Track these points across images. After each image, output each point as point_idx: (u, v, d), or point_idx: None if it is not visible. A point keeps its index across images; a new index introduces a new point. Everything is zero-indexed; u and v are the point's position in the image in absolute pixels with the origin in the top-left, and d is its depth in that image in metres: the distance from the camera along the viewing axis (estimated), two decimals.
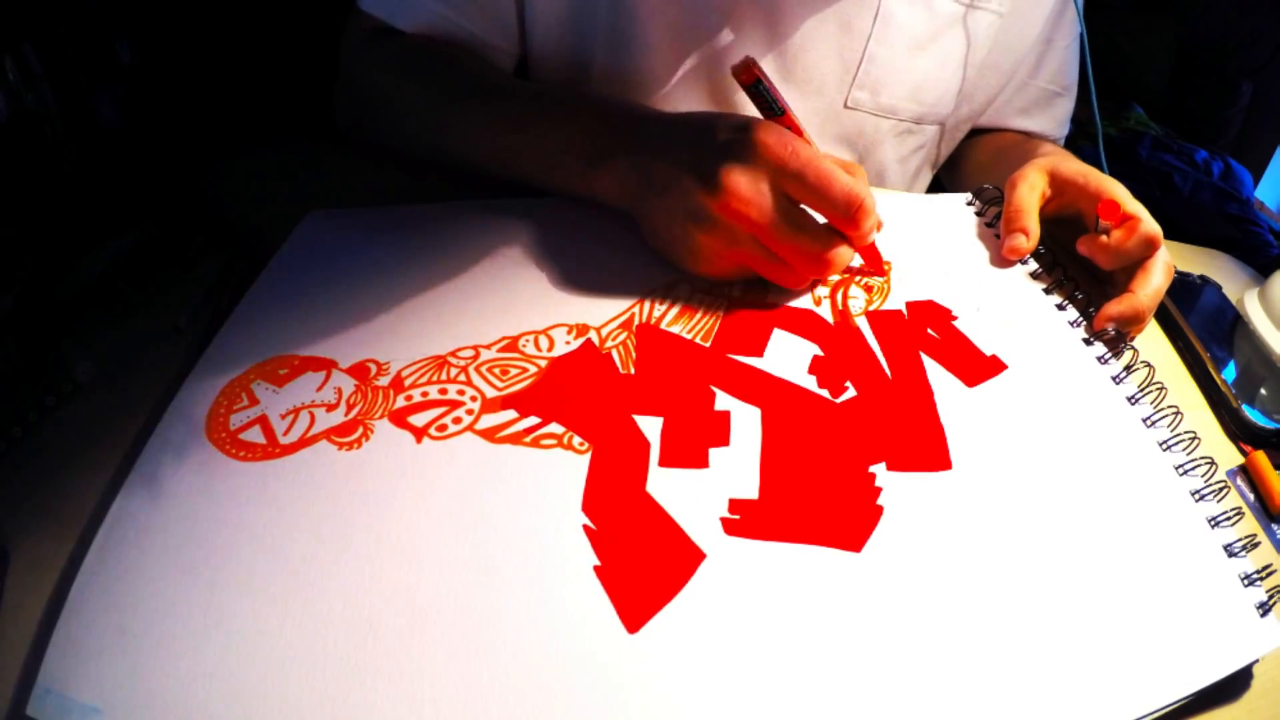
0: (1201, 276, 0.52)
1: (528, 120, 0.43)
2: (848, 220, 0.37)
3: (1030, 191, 0.46)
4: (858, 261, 0.44)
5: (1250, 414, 0.41)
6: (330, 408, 0.34)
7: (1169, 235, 0.59)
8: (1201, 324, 0.47)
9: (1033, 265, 0.46)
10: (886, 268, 0.44)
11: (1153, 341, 0.47)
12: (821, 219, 0.39)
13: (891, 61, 0.54)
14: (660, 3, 0.49)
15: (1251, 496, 0.38)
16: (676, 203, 0.38)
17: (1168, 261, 0.44)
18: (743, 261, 0.39)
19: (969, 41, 0.56)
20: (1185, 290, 0.50)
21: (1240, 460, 0.40)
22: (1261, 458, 0.39)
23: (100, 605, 0.27)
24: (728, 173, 0.36)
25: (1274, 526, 0.37)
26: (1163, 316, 0.48)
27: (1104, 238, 0.44)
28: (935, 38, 0.54)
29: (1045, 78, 0.62)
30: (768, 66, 0.53)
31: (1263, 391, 0.44)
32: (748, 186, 0.36)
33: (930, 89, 0.57)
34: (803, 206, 0.38)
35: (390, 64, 0.49)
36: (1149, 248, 0.43)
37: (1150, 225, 0.43)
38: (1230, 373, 0.44)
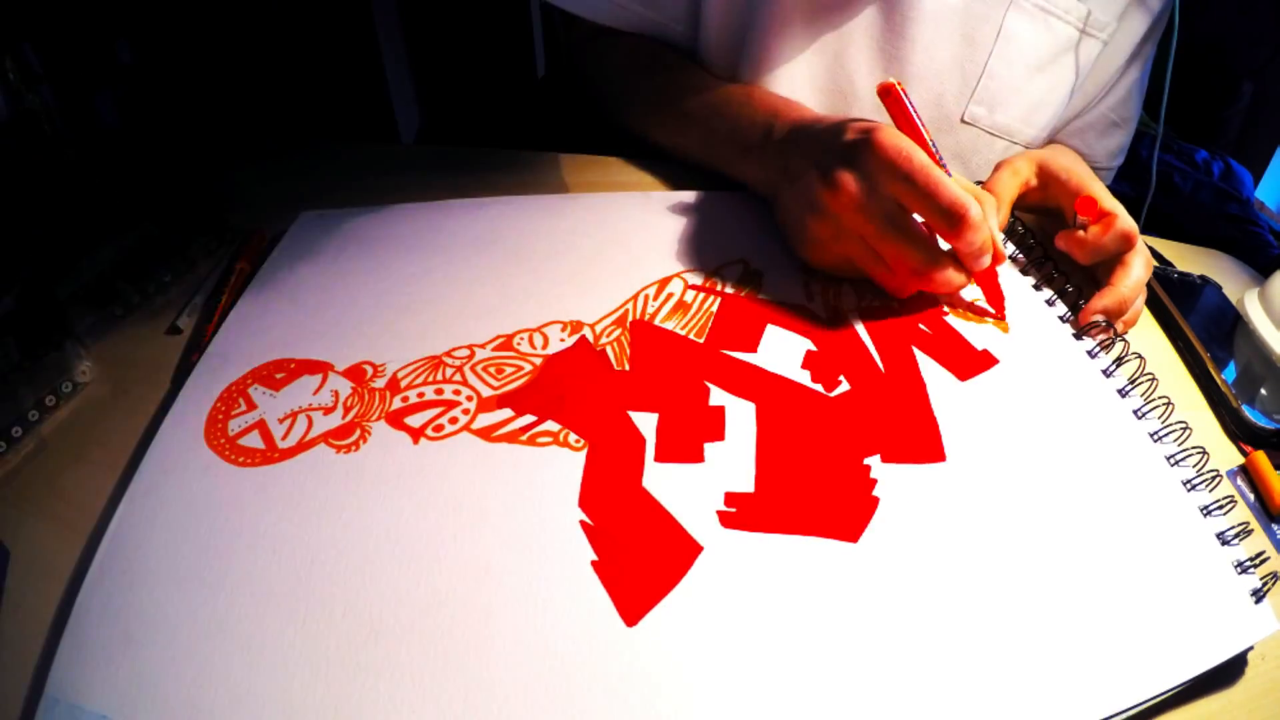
0: (1201, 276, 0.52)
1: (703, 114, 0.51)
2: (951, 229, 0.37)
3: (1012, 178, 0.46)
4: (974, 295, 0.43)
5: (1250, 414, 0.41)
6: (327, 411, 0.34)
7: (1169, 235, 0.59)
8: (1201, 324, 0.47)
9: (1024, 260, 0.46)
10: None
11: (1153, 341, 0.47)
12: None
13: (1010, 80, 0.54)
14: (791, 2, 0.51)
15: (1251, 497, 0.38)
16: (801, 193, 0.41)
17: (1147, 256, 0.45)
18: (849, 255, 0.41)
19: (1077, 68, 0.56)
20: (1185, 290, 0.50)
21: (1240, 460, 0.40)
22: (1261, 458, 0.39)
23: (105, 614, 0.28)
24: (843, 169, 0.38)
25: (1274, 527, 0.37)
26: (1163, 316, 0.48)
27: (1081, 233, 0.44)
28: (1053, 60, 0.54)
29: (1108, 105, 0.61)
30: (892, 75, 0.52)
31: (1263, 391, 0.44)
32: (858, 185, 0.37)
33: (1043, 112, 0.57)
34: (915, 216, 0.38)
35: (602, 63, 0.59)
36: (1125, 243, 0.43)
37: (1126, 222, 0.43)
38: (1230, 373, 0.44)
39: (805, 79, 0.54)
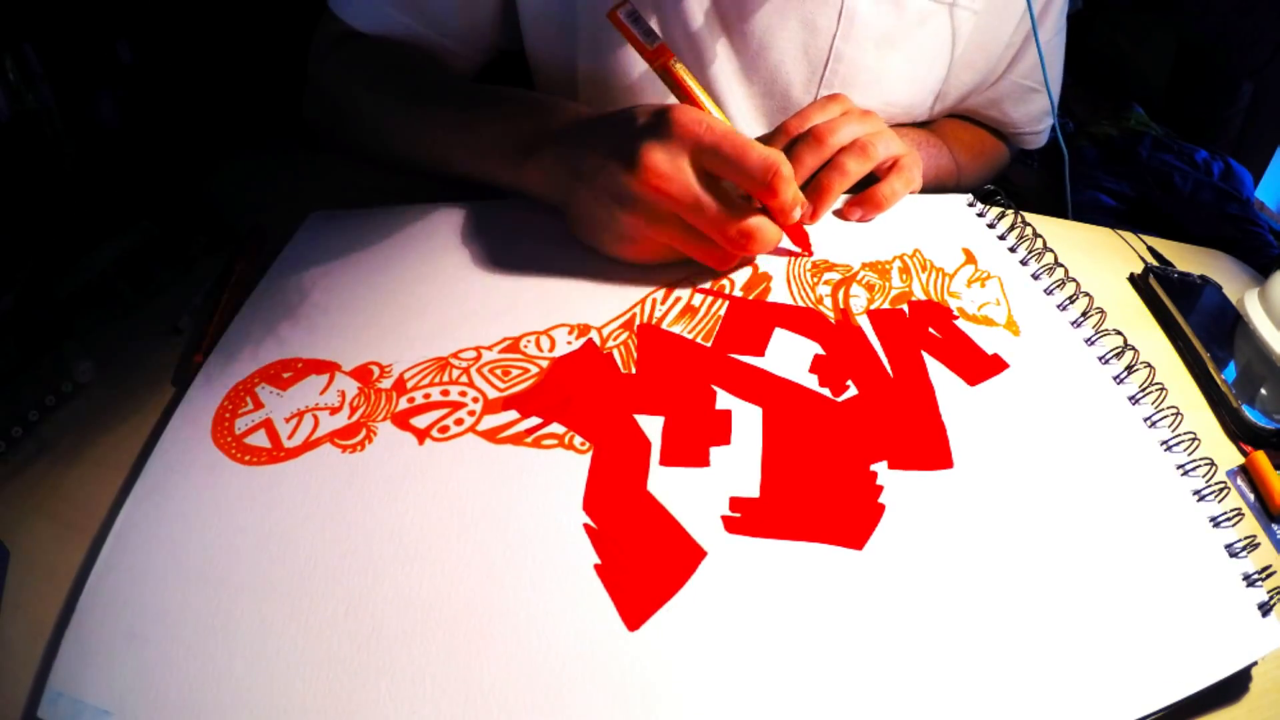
0: (1201, 276, 0.52)
1: (464, 118, 0.46)
2: (766, 188, 0.38)
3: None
4: (786, 243, 0.44)
5: (1250, 414, 0.41)
6: (334, 411, 0.34)
7: (1169, 235, 0.59)
8: (1201, 324, 0.47)
9: (1034, 266, 0.46)
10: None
11: (1153, 341, 0.47)
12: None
13: (860, 60, 0.53)
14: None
15: (1251, 497, 0.38)
16: (602, 187, 0.39)
17: (906, 176, 0.48)
18: (667, 240, 0.40)
19: (943, 39, 0.55)
20: (1185, 290, 0.50)
21: (1240, 460, 0.40)
22: (1261, 458, 0.39)
23: (110, 609, 0.28)
24: (646, 151, 0.37)
25: (1274, 527, 0.37)
26: (1163, 316, 0.48)
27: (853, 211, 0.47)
28: (906, 36, 0.53)
29: (1020, 73, 0.61)
30: (732, 66, 0.53)
31: (1263, 391, 0.44)
32: (666, 163, 0.37)
33: (904, 90, 0.56)
34: (725, 184, 0.39)
35: (350, 68, 0.51)
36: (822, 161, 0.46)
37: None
38: (1230, 373, 0.44)
39: (646, 79, 0.53)
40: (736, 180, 0.38)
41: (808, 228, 0.46)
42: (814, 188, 0.46)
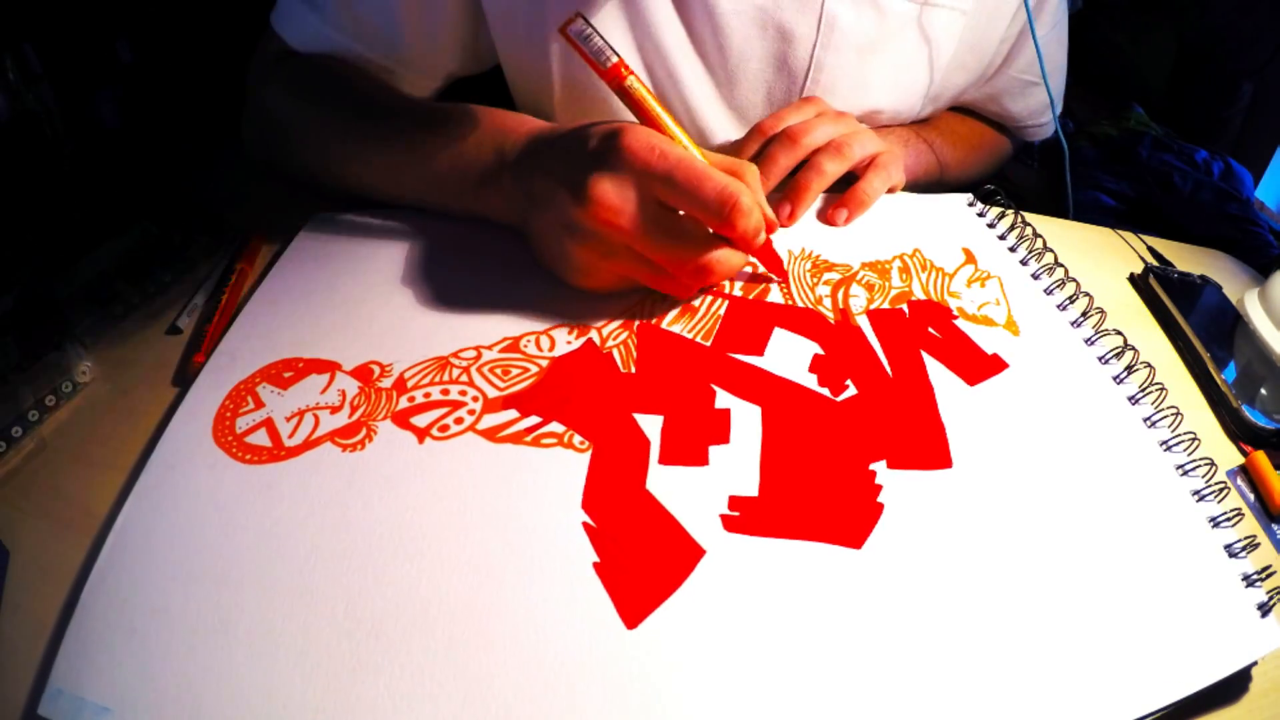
0: (1201, 276, 0.52)
1: (414, 140, 0.43)
2: (723, 222, 0.35)
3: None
4: (753, 268, 0.43)
5: (1250, 414, 0.41)
6: (334, 410, 0.34)
7: (1169, 235, 0.59)
8: (1201, 324, 0.47)
9: (1034, 265, 0.46)
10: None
11: (1153, 341, 0.47)
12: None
13: (841, 68, 0.51)
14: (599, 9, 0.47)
15: (1251, 497, 0.38)
16: (554, 217, 0.37)
17: (884, 174, 0.48)
18: (623, 273, 0.38)
19: (929, 42, 0.53)
20: (1185, 290, 0.50)
21: (1240, 460, 0.40)
22: (1261, 458, 0.39)
23: (111, 606, 0.28)
24: (595, 182, 0.35)
25: (1274, 527, 0.37)
26: (1163, 316, 0.48)
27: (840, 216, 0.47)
28: (889, 40, 0.52)
29: (1018, 68, 0.60)
30: (709, 80, 0.51)
31: (1263, 391, 0.44)
32: (615, 195, 0.35)
33: (889, 94, 0.55)
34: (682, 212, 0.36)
35: (292, 86, 0.48)
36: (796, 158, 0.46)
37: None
38: (1230, 373, 0.44)
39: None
40: (693, 212, 0.36)
41: (786, 230, 0.46)
42: (791, 188, 0.47)
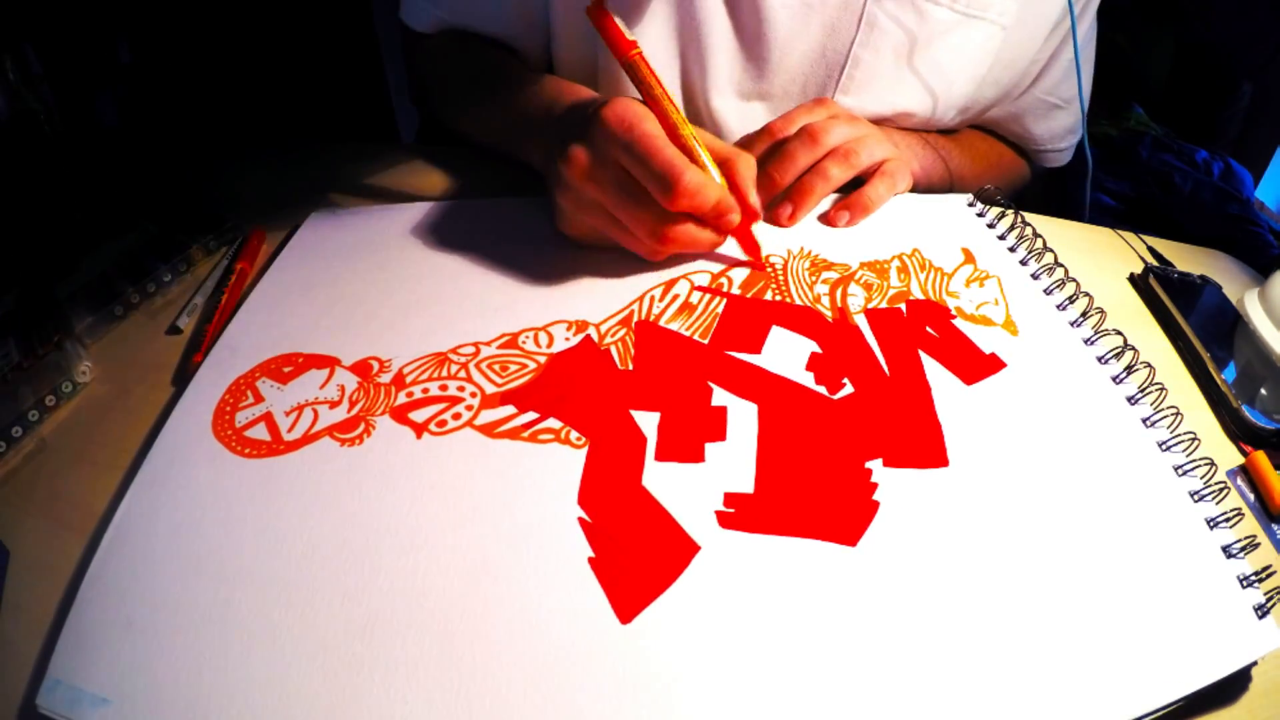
0: (1201, 276, 0.52)
1: (504, 97, 0.51)
2: (664, 194, 0.37)
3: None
4: (732, 251, 0.44)
5: (1250, 414, 0.41)
6: (333, 404, 0.35)
7: (1169, 235, 0.59)
8: (1201, 324, 0.47)
9: (1033, 265, 0.46)
10: (770, 265, 0.44)
11: (1153, 341, 0.46)
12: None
13: (877, 66, 0.52)
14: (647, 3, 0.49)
15: (1251, 497, 0.38)
16: (551, 170, 0.42)
17: (890, 180, 0.49)
18: (596, 225, 0.42)
19: (966, 53, 0.54)
20: (1185, 290, 0.50)
21: (1240, 460, 0.40)
22: (1261, 458, 0.39)
23: (109, 599, 0.28)
24: (576, 142, 0.39)
25: (1274, 527, 0.37)
26: (1163, 316, 0.48)
27: (840, 217, 0.47)
28: (927, 44, 0.53)
29: (1044, 88, 0.60)
30: (750, 68, 0.53)
31: (1263, 391, 0.44)
32: (589, 156, 0.39)
33: (922, 99, 0.55)
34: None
35: (429, 63, 0.59)
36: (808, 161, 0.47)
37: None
38: (1230, 373, 0.44)
39: (664, 76, 0.52)
40: (643, 180, 0.38)
41: (787, 229, 0.46)
42: (796, 190, 0.47)
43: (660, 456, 0.33)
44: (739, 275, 0.43)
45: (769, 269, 0.43)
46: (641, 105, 0.39)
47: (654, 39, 0.51)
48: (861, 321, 0.41)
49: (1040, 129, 0.64)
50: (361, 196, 0.47)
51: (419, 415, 0.34)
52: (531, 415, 0.34)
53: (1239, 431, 0.41)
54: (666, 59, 0.53)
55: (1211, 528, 0.33)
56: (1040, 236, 0.47)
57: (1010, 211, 0.49)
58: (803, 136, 0.47)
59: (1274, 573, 0.32)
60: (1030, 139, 0.64)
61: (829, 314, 0.41)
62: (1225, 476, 0.38)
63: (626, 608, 0.28)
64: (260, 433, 0.33)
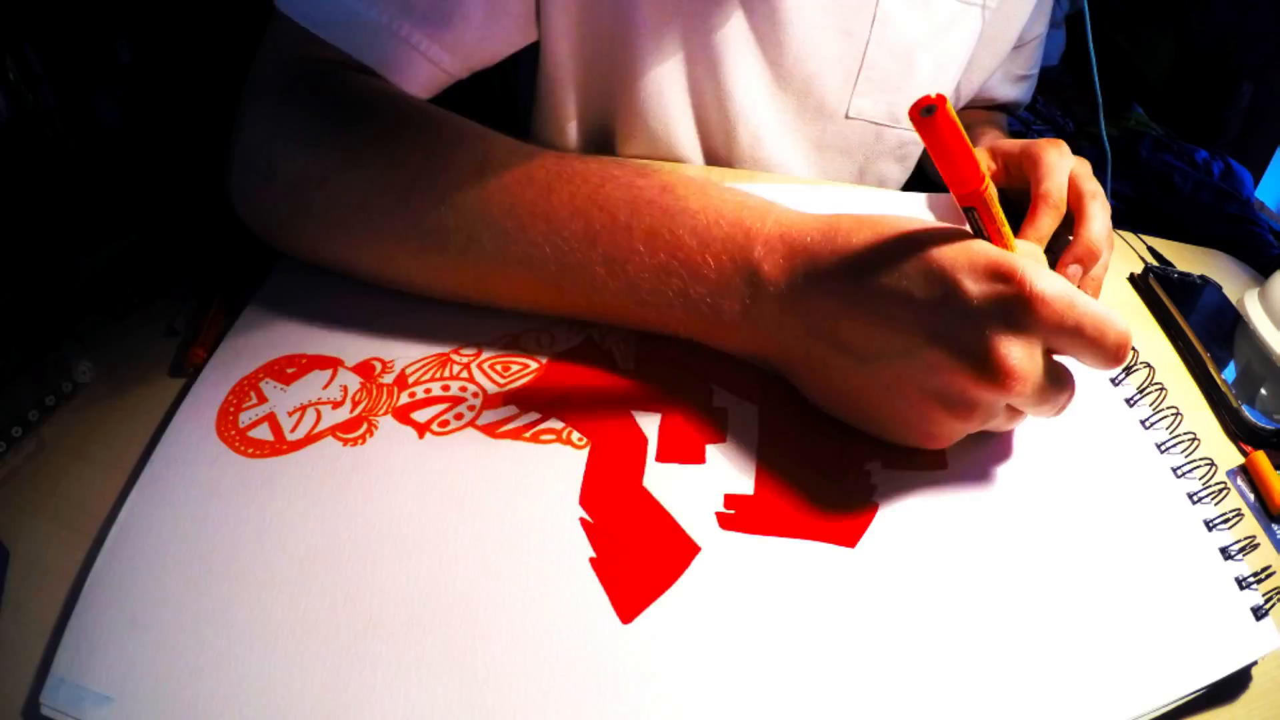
0: (1201, 276, 0.52)
1: (579, 227, 0.31)
2: (1119, 364, 0.29)
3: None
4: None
5: (1250, 414, 0.41)
6: (336, 405, 0.35)
7: (1169, 235, 0.59)
8: (1201, 324, 0.47)
9: None
10: None
11: (1153, 341, 0.47)
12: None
13: (890, 66, 0.53)
14: (658, 7, 0.48)
15: (1251, 497, 0.38)
16: (909, 377, 0.30)
17: (1103, 200, 0.44)
18: (978, 428, 0.32)
19: (964, 42, 0.55)
20: (1185, 290, 0.50)
21: (1240, 460, 0.40)
22: (1261, 458, 0.39)
23: (112, 597, 0.28)
24: (1003, 348, 0.28)
25: (1274, 527, 0.37)
26: (1163, 316, 0.48)
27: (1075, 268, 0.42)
28: (935, 39, 0.53)
29: (1019, 65, 0.62)
30: (767, 75, 0.52)
31: (1263, 391, 0.44)
32: (1026, 361, 0.28)
33: (927, 91, 0.55)
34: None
35: (303, 112, 0.38)
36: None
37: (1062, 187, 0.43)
38: (1230, 373, 0.44)
39: (678, 91, 0.51)
40: (1085, 362, 0.30)
41: None
42: (1086, 255, 0.42)
43: (661, 458, 0.33)
44: None
45: None
46: (1056, 275, 0.29)
47: (668, 50, 0.50)
48: None
49: (1004, 92, 0.66)
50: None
51: (421, 415, 0.34)
52: (533, 415, 0.34)
53: (1239, 432, 0.41)
54: (680, 70, 0.51)
55: (1210, 529, 0.33)
56: None
57: None
58: (1099, 198, 0.44)
59: (1274, 573, 0.32)
60: (1001, 100, 0.66)
61: None
62: (1225, 477, 0.38)
63: (627, 607, 0.28)
64: (263, 433, 0.33)
